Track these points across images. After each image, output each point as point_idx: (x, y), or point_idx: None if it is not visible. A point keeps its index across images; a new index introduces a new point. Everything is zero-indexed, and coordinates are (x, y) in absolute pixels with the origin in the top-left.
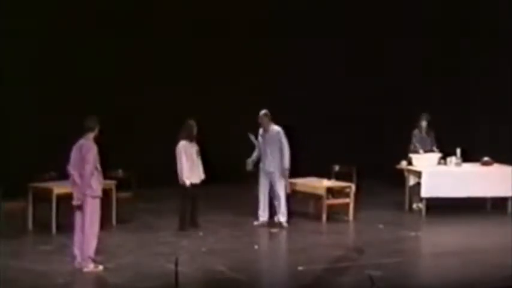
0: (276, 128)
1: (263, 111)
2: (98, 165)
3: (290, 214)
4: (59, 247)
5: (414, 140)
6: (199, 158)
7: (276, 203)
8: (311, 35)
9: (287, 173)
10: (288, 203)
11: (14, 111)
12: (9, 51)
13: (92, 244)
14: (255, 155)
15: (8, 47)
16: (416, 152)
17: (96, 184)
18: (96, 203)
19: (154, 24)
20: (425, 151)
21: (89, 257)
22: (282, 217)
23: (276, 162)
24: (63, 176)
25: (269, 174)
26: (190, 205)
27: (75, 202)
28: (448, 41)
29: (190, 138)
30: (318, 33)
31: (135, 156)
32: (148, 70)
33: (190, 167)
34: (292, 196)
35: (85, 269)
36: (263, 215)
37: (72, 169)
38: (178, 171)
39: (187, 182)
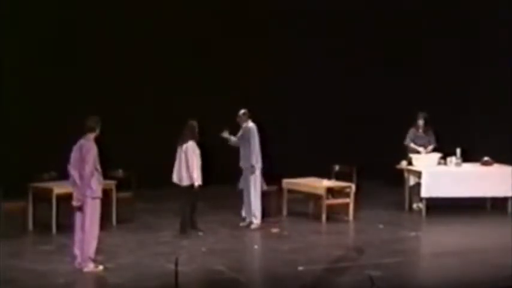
0: (249, 125)
1: (242, 111)
2: (98, 166)
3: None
4: (59, 247)
5: (408, 137)
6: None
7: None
8: (311, 35)
9: (254, 170)
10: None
11: (14, 111)
12: (9, 52)
13: (92, 244)
14: (236, 137)
15: (7, 47)
16: (410, 149)
17: (96, 185)
18: (96, 204)
19: (154, 24)
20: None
21: (89, 257)
22: (252, 217)
23: (245, 159)
24: (63, 176)
25: (244, 171)
26: (191, 206)
27: (75, 203)
28: (448, 41)
29: (195, 139)
30: (318, 33)
31: (135, 156)
32: (148, 70)
33: (198, 168)
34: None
35: (85, 269)
36: (248, 216)
37: (72, 169)
38: (190, 171)
39: (197, 183)
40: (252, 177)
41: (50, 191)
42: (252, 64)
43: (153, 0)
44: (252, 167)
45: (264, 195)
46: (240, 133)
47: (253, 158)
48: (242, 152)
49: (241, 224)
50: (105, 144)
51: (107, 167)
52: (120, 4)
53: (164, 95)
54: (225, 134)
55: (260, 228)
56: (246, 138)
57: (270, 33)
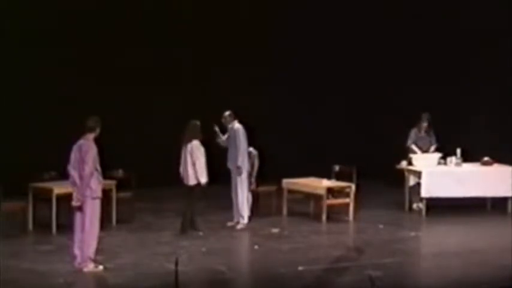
0: (235, 126)
1: (227, 112)
2: (98, 166)
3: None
4: (59, 247)
5: (409, 138)
6: None
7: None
8: (311, 34)
9: (241, 171)
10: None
11: (15, 111)
12: (9, 51)
13: (92, 244)
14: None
15: (7, 46)
16: (411, 151)
17: (96, 185)
18: (96, 204)
19: (154, 24)
20: (423, 151)
21: (89, 257)
22: (239, 217)
23: (232, 159)
24: (63, 176)
25: (231, 172)
26: (192, 206)
27: (74, 203)
28: (448, 41)
29: (199, 138)
30: (319, 32)
31: (135, 156)
32: (148, 70)
33: (204, 166)
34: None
35: (85, 269)
36: (236, 216)
37: (72, 170)
38: (197, 170)
39: (204, 181)
40: (238, 178)
41: (50, 191)
42: (252, 63)
43: (153, 1)
44: (239, 168)
45: (263, 195)
46: (227, 134)
47: (240, 159)
48: (229, 153)
49: (229, 224)
50: (105, 144)
51: (107, 167)
52: (121, 4)
53: (164, 95)
54: (216, 128)
55: (259, 228)
56: (233, 139)
57: (270, 31)
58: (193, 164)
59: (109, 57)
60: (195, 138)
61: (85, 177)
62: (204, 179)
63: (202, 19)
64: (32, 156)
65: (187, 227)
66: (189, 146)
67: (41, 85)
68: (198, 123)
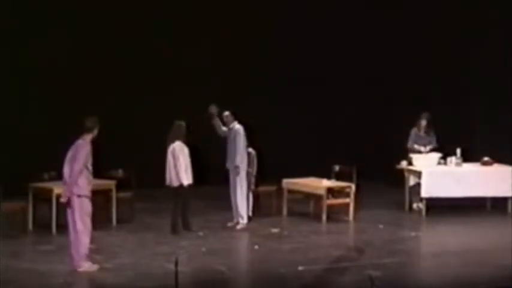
0: (236, 126)
1: (227, 112)
2: (89, 165)
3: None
4: (59, 247)
5: (410, 139)
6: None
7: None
8: (312, 34)
9: (239, 171)
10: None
11: (15, 111)
12: (9, 52)
13: (85, 243)
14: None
15: (7, 47)
16: (412, 150)
17: (84, 183)
18: (84, 202)
19: (153, 25)
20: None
21: (83, 257)
22: (239, 217)
23: (231, 159)
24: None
25: (229, 172)
26: (181, 207)
27: (61, 199)
28: (448, 41)
29: (183, 139)
30: (319, 32)
31: (135, 156)
32: (148, 70)
33: (186, 168)
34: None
35: (79, 269)
36: (235, 216)
37: (65, 167)
38: (178, 171)
39: (186, 182)
40: (237, 178)
41: (50, 191)
42: (251, 63)
43: (151, 2)
44: (237, 167)
45: (263, 195)
46: (226, 129)
47: (238, 158)
48: (228, 153)
49: (229, 224)
50: (105, 144)
51: (107, 167)
52: (119, 5)
53: (164, 95)
54: (215, 122)
55: (259, 228)
56: (232, 139)
57: (270, 30)
58: (175, 166)
59: (109, 57)
60: (178, 139)
61: (73, 174)
62: (185, 181)
63: (202, 19)
64: (32, 156)
65: (178, 227)
66: (171, 147)
67: (40, 85)
68: (183, 123)
